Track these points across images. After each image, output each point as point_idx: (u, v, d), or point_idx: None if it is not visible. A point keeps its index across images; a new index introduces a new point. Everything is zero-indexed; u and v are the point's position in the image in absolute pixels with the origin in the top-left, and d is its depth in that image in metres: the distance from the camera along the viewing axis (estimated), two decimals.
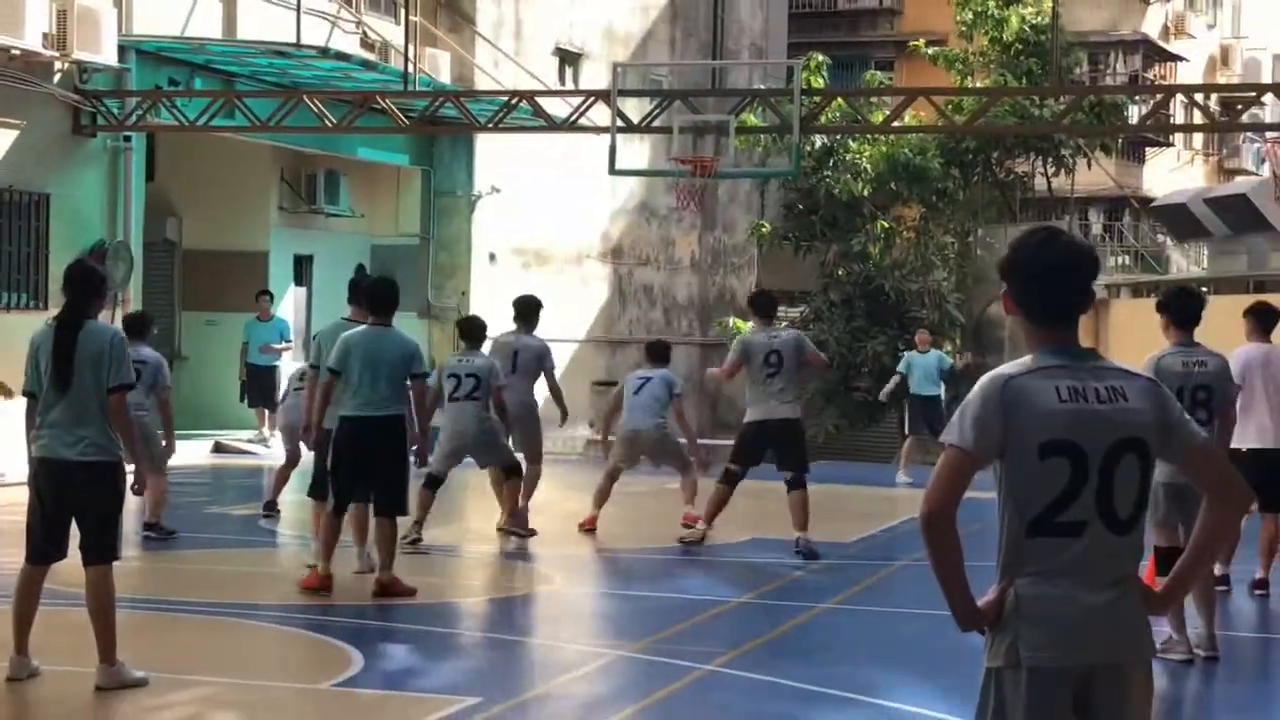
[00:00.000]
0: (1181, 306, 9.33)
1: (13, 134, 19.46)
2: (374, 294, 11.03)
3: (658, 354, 15.08)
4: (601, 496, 14.61)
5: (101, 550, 7.96)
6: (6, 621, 8.07)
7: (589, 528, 14.44)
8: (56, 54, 19.58)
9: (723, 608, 11.06)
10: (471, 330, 13.93)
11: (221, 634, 9.86)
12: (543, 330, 29.95)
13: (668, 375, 14.77)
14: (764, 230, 32.12)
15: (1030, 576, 4.11)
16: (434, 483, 13.26)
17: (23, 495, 8.47)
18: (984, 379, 4.17)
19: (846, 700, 8.21)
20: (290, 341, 22.69)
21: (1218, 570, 10.85)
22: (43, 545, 8.03)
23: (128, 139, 20.99)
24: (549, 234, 28.88)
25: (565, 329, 29.32)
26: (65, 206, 20.22)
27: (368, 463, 10.67)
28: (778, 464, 13.18)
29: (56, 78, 20.00)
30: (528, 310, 14.65)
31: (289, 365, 20.24)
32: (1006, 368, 4.19)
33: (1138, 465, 4.12)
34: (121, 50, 20.37)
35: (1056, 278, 4.20)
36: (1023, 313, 4.24)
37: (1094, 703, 4.11)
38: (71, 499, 7.96)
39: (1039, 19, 30.65)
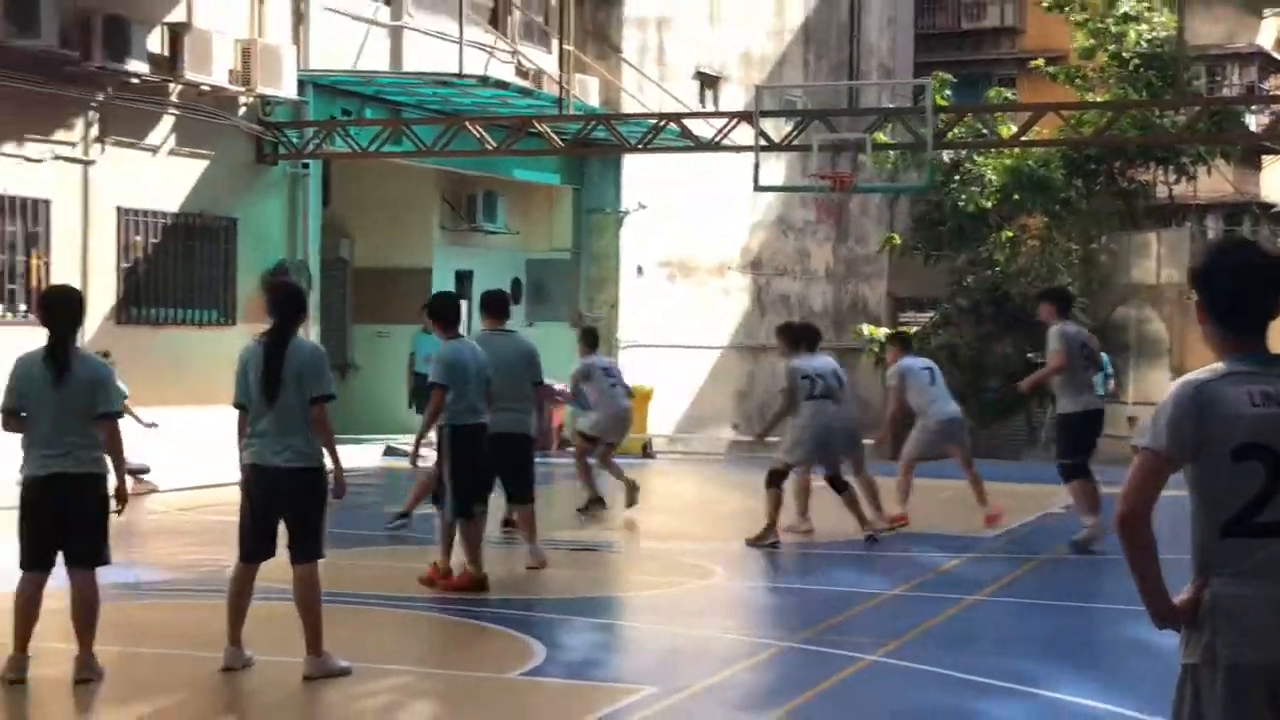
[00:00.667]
0: None
1: (203, 164, 19.87)
2: (433, 310, 11.03)
3: (908, 343, 15.41)
4: (907, 491, 14.46)
5: (308, 549, 8.07)
6: (222, 616, 8.21)
7: (900, 523, 14.19)
8: (241, 89, 19.96)
9: (878, 599, 10.96)
10: (808, 334, 13.95)
11: (413, 627, 9.98)
12: (688, 338, 29.95)
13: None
14: (895, 241, 31.90)
15: (1225, 576, 4.00)
16: (780, 478, 13.26)
17: (231, 496, 8.62)
18: (1176, 385, 4.08)
19: (1009, 691, 8.06)
20: None
21: None
22: (254, 545, 8.16)
23: (306, 166, 21.33)
24: (692, 247, 28.90)
25: (708, 337, 29.37)
26: (250, 230, 20.60)
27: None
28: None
29: (241, 111, 20.39)
30: (813, 337, 14.06)
31: None
32: (1198, 374, 4.09)
33: None
34: (300, 84, 20.73)
35: (1248, 287, 4.08)
36: (1214, 320, 4.14)
37: None
38: (280, 502, 8.08)
39: (1154, 33, 30.10)
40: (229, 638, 8.15)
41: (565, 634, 9.68)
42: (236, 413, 8.24)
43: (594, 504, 15.25)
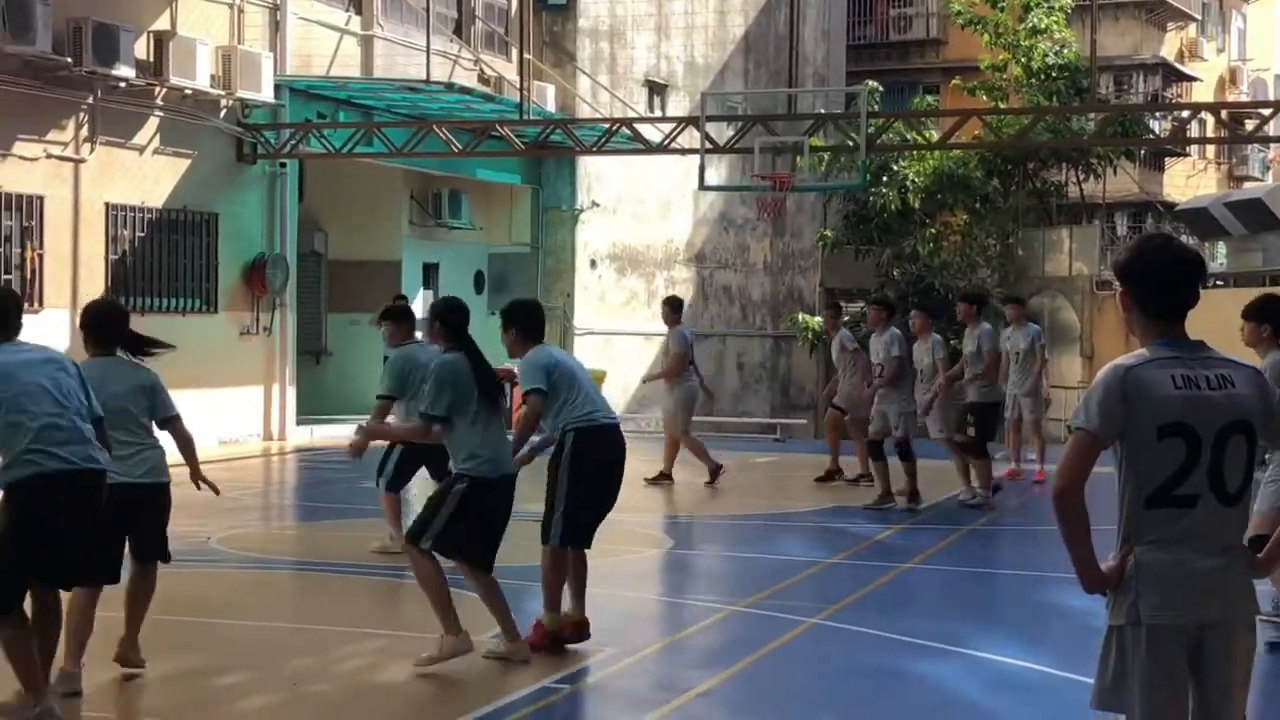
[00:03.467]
0: None
1: (186, 162, 19.69)
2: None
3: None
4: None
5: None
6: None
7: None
8: (223, 93, 19.79)
9: (819, 567, 11.01)
10: None
11: (387, 593, 9.93)
12: (636, 325, 29.88)
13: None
14: (828, 237, 31.98)
15: (1148, 544, 4.05)
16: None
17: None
18: (1105, 369, 4.11)
19: (939, 650, 8.13)
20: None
21: None
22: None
23: (283, 165, 21.18)
24: (641, 241, 28.90)
25: (656, 325, 29.35)
26: (230, 224, 20.43)
27: None
28: None
29: (222, 113, 20.21)
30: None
31: None
32: (1125, 359, 4.13)
33: (1245, 445, 4.06)
34: (277, 89, 20.55)
35: (1172, 278, 4.12)
36: (1139, 309, 4.17)
37: (1205, 656, 4.05)
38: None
39: (1059, 48, 30.30)
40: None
41: (532, 599, 9.64)
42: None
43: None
